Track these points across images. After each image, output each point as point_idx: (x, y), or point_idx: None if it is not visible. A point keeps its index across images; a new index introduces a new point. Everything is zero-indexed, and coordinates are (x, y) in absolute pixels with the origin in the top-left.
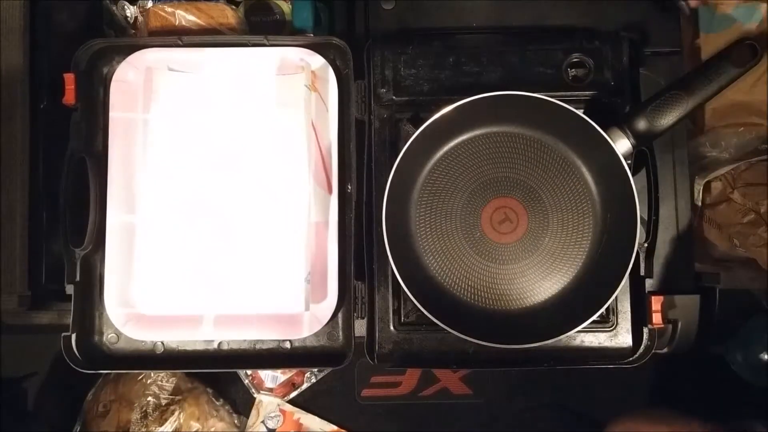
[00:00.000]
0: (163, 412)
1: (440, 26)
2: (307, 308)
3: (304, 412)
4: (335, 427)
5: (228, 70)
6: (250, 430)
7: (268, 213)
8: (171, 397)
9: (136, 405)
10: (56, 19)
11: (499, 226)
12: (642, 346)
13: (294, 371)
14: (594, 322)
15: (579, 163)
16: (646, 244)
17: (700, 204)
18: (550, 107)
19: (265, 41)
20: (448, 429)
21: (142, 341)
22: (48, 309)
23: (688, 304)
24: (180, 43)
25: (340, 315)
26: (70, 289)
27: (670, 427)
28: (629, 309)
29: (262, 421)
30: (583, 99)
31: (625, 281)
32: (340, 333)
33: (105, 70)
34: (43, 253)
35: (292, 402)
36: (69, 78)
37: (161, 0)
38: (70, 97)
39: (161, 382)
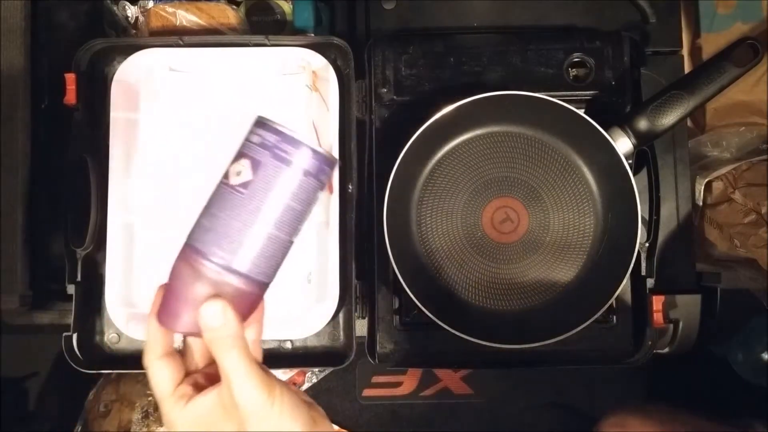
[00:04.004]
0: None
1: (441, 26)
2: (308, 308)
3: None
4: (336, 427)
5: (229, 71)
6: None
7: None
8: None
9: (137, 405)
10: (57, 19)
11: (500, 226)
12: (643, 346)
13: (295, 371)
14: (595, 321)
15: (580, 162)
16: (647, 244)
17: (701, 204)
18: (551, 107)
19: (266, 41)
20: (448, 429)
21: (144, 341)
22: (49, 309)
23: (689, 303)
24: (181, 43)
25: (341, 315)
26: (71, 288)
27: (662, 424)
28: (630, 309)
29: None
30: (584, 99)
31: (626, 281)
32: (341, 333)
33: (106, 70)
34: (44, 253)
35: None
36: (70, 78)
37: (162, 0)
38: (71, 97)
39: None
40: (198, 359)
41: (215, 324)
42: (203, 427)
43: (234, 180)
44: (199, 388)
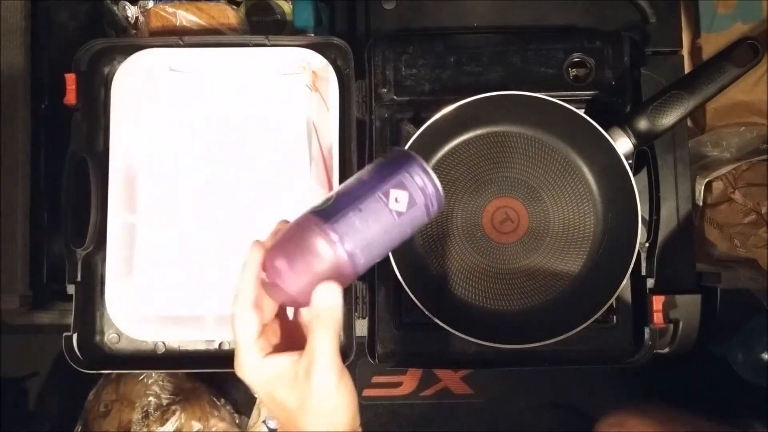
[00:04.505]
0: (164, 412)
1: (441, 26)
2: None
3: None
4: None
5: (229, 71)
6: (251, 430)
7: (268, 212)
8: (172, 397)
9: (137, 405)
10: (57, 19)
11: (500, 226)
12: (643, 346)
13: None
14: (595, 321)
15: (580, 162)
16: (647, 244)
17: (701, 204)
18: (551, 107)
19: (266, 41)
20: (448, 429)
21: (144, 341)
22: (49, 309)
23: (689, 303)
24: (181, 43)
25: None
26: (71, 289)
27: (662, 424)
28: (630, 309)
29: (263, 421)
30: (584, 99)
31: (626, 281)
32: (341, 333)
33: (106, 70)
34: (44, 253)
35: None
36: (70, 78)
37: (162, 0)
38: (71, 97)
39: (162, 382)
40: (265, 317)
41: (327, 304)
42: (272, 385)
43: (392, 204)
44: (274, 348)
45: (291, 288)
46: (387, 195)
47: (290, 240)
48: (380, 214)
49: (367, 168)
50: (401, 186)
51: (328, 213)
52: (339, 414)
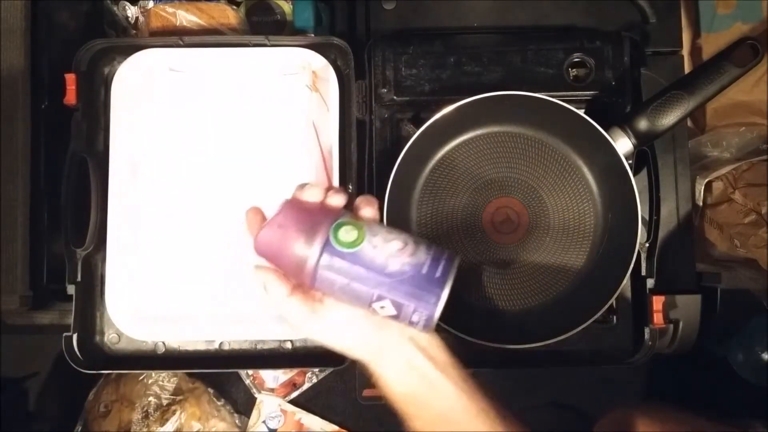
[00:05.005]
0: (164, 412)
1: (441, 26)
2: None
3: (305, 412)
4: (336, 427)
5: (229, 71)
6: (251, 430)
7: (268, 213)
8: (172, 397)
9: (137, 405)
10: (57, 19)
11: (500, 226)
12: (643, 346)
13: (295, 371)
14: (595, 321)
15: (580, 163)
16: (647, 244)
17: (701, 204)
18: (551, 107)
19: (266, 41)
20: None
21: (144, 341)
22: (49, 309)
23: (689, 303)
24: (181, 43)
25: None
26: (71, 289)
27: (662, 424)
28: (630, 309)
29: (263, 421)
30: (584, 99)
31: (626, 281)
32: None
33: (106, 70)
34: (44, 253)
35: (293, 402)
36: (70, 78)
37: (162, 0)
38: (71, 97)
39: (162, 382)
40: None
41: (263, 282)
42: None
43: (379, 309)
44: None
45: (266, 239)
46: (374, 302)
47: (305, 219)
48: (363, 289)
49: (411, 252)
50: (383, 299)
51: (334, 250)
52: (335, 334)
